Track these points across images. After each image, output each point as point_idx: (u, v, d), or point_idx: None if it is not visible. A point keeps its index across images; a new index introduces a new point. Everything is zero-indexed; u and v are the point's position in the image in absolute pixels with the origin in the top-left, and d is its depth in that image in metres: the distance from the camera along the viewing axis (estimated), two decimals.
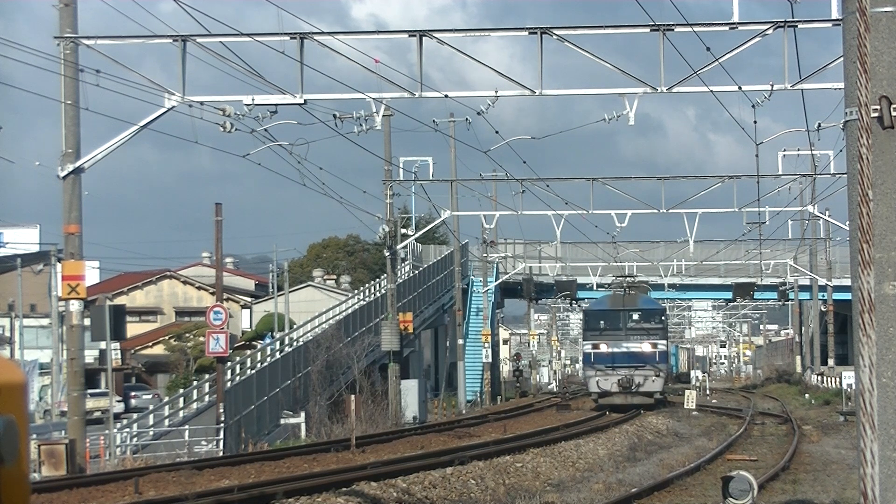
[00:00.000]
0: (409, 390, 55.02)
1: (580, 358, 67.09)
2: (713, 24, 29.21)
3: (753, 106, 31.79)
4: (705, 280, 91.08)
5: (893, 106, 8.62)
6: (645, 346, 56.79)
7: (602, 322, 58.19)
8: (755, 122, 48.68)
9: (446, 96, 30.75)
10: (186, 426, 45.55)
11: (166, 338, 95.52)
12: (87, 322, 33.83)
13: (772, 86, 29.88)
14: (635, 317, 57.84)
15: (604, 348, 57.09)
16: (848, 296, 35.34)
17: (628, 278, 65.21)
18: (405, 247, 65.04)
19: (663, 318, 59.82)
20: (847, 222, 9.40)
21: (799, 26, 28.84)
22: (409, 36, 29.63)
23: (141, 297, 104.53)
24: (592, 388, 57.53)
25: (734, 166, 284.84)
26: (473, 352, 75.87)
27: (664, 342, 58.08)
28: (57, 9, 30.20)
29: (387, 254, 53.78)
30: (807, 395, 69.66)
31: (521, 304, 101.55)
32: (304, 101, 29.79)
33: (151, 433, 44.50)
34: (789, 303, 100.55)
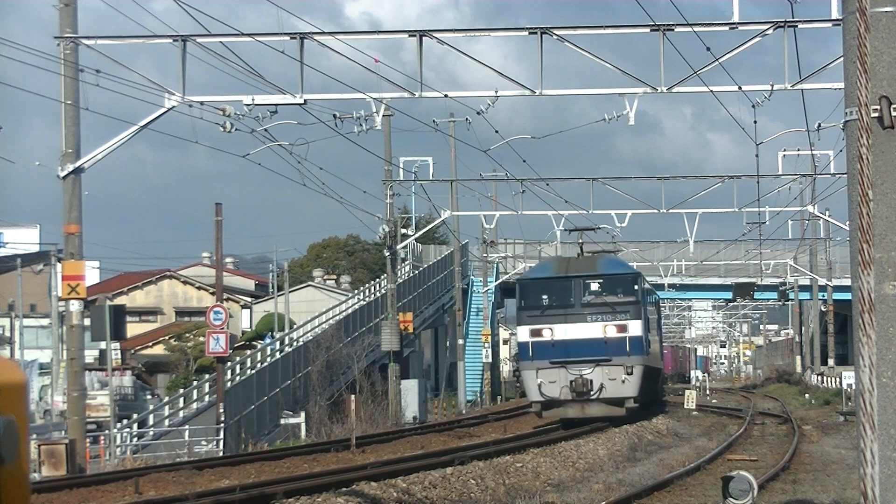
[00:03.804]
0: (409, 390, 55.02)
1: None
2: (713, 24, 29.24)
3: (753, 106, 31.84)
4: (705, 280, 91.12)
5: (893, 106, 8.62)
6: (609, 331, 39.87)
7: (545, 297, 40.77)
8: (755, 121, 48.55)
9: (446, 96, 30.77)
10: (186, 426, 45.59)
11: (166, 338, 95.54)
12: (87, 322, 33.84)
13: (772, 86, 29.91)
14: (594, 287, 40.61)
15: (548, 335, 39.83)
16: (848, 296, 35.28)
17: (586, 231, 47.36)
18: (405, 247, 65.06)
19: (636, 287, 41.14)
20: (847, 222, 9.41)
21: (799, 26, 28.87)
22: (409, 36, 29.65)
23: (141, 297, 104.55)
24: (533, 396, 40.19)
25: (732, 166, 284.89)
26: (473, 352, 75.87)
27: (639, 322, 40.43)
28: (57, 9, 30.22)
29: (387, 254, 53.81)
30: (807, 395, 69.67)
31: None
32: (304, 101, 29.82)
33: (151, 433, 44.52)
34: (789, 303, 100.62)
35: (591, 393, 39.30)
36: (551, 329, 39.86)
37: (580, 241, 45.27)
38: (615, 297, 40.51)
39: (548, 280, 41.32)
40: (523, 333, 40.74)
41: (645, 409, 44.10)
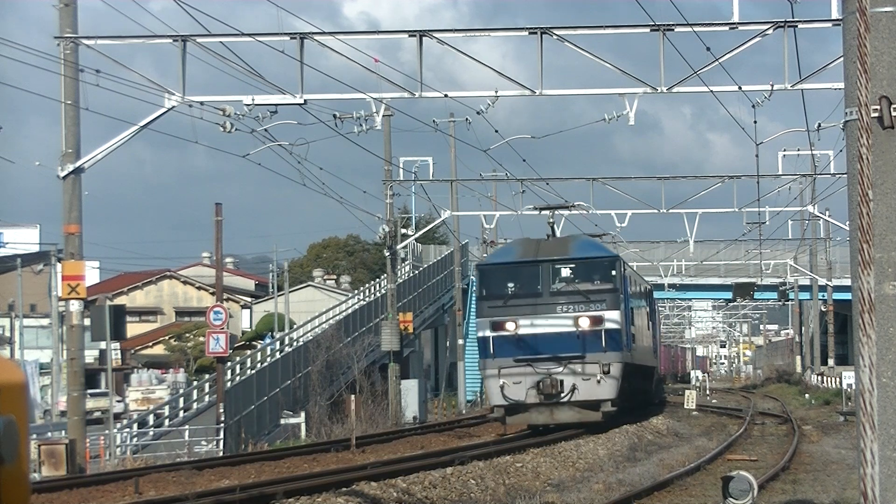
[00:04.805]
0: (409, 390, 55.02)
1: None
2: (713, 24, 29.25)
3: (753, 106, 31.85)
4: (705, 280, 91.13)
5: (893, 106, 8.63)
6: (582, 323, 34.89)
7: (509, 284, 35.73)
8: (755, 121, 48.23)
9: (446, 96, 30.77)
10: (186, 426, 45.60)
11: (166, 338, 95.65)
12: (87, 322, 33.87)
13: (772, 86, 29.92)
14: (565, 272, 35.56)
15: (511, 329, 35.00)
16: (848, 296, 35.14)
17: (559, 210, 41.50)
18: (405, 247, 65.07)
19: (613, 272, 35.91)
20: (847, 222, 9.41)
21: (799, 26, 28.89)
22: (410, 36, 29.66)
23: (141, 297, 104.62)
24: (494, 399, 35.65)
25: (731, 165, 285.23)
26: (473, 352, 75.74)
27: (617, 313, 35.36)
28: (57, 9, 30.23)
29: (387, 254, 53.82)
30: (807, 395, 69.67)
31: None
32: (304, 101, 29.82)
33: (151, 433, 44.54)
34: (789, 303, 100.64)
35: (562, 395, 34.74)
36: (515, 322, 35.03)
37: (550, 220, 39.12)
38: (589, 283, 35.45)
39: (511, 265, 35.90)
40: (483, 327, 35.61)
41: (629, 413, 39.68)
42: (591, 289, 35.40)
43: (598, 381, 34.70)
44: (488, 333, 35.33)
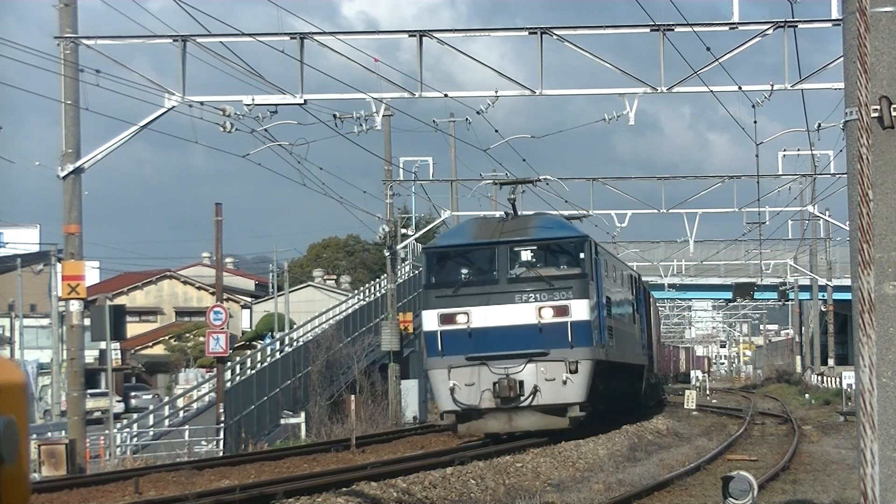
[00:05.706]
0: (409, 390, 55.01)
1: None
2: (713, 24, 29.28)
3: (753, 106, 31.86)
4: (705, 280, 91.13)
5: (893, 106, 8.62)
6: (545, 314, 30.19)
7: (461, 270, 31.14)
8: (755, 121, 47.96)
9: (446, 96, 30.77)
10: (186, 426, 45.61)
11: (166, 338, 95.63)
12: (87, 322, 33.88)
13: (772, 86, 29.95)
14: (525, 256, 30.87)
15: (463, 322, 30.36)
16: (848, 296, 35.09)
17: (519, 186, 36.88)
18: (405, 247, 65.06)
19: (582, 255, 31.13)
20: (847, 222, 9.41)
21: (799, 26, 28.92)
22: (409, 36, 29.67)
23: (141, 297, 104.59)
24: (444, 404, 30.98)
25: (732, 166, 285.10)
26: None
27: (585, 302, 30.54)
28: (57, 9, 30.24)
29: (387, 254, 53.82)
30: (807, 395, 69.67)
31: None
32: (304, 101, 29.83)
33: (151, 433, 44.55)
34: (789, 303, 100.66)
35: (522, 398, 30.17)
36: (467, 313, 30.33)
37: (511, 196, 34.24)
38: (554, 268, 30.80)
39: (463, 248, 31.28)
40: (430, 320, 30.73)
41: (611, 417, 36.05)
42: (556, 274, 30.67)
43: (564, 382, 30.21)
44: (436, 327, 30.59)
